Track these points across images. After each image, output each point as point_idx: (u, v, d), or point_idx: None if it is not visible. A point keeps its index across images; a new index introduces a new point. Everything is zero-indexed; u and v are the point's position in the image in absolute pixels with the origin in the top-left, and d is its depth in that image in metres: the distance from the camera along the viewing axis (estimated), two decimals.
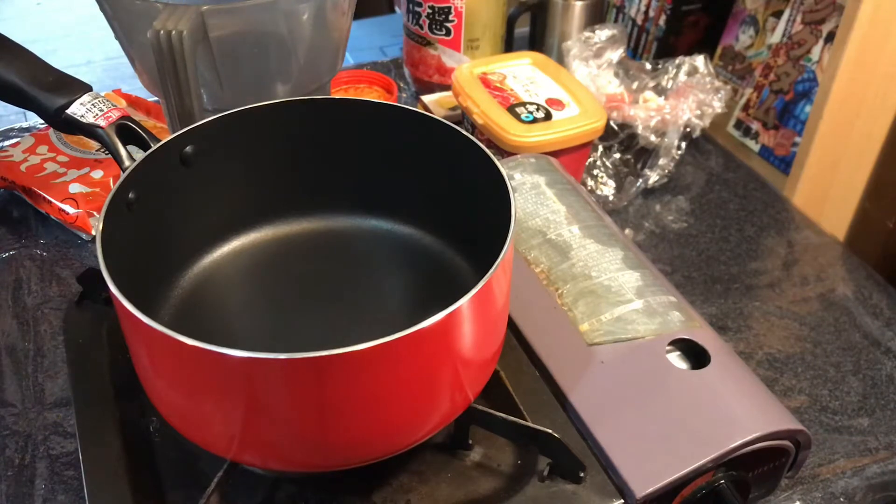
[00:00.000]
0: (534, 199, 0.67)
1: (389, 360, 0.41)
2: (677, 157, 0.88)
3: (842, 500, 0.59)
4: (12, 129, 0.94)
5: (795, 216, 0.85)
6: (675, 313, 0.57)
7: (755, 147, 1.01)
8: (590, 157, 0.87)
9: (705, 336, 0.56)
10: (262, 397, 0.42)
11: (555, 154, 0.76)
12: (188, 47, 0.58)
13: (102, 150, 0.83)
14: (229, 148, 0.57)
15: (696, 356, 0.55)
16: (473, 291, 0.42)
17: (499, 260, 0.44)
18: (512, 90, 0.82)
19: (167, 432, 0.53)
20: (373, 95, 0.98)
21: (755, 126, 1.00)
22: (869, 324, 0.72)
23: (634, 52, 1.15)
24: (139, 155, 0.52)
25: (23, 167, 0.82)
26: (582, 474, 0.50)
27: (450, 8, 0.95)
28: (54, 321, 0.70)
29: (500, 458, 0.52)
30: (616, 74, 0.93)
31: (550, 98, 0.81)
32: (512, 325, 0.59)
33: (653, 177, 0.87)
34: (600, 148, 0.88)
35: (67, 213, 0.78)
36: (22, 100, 0.56)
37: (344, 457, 0.46)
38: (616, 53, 0.92)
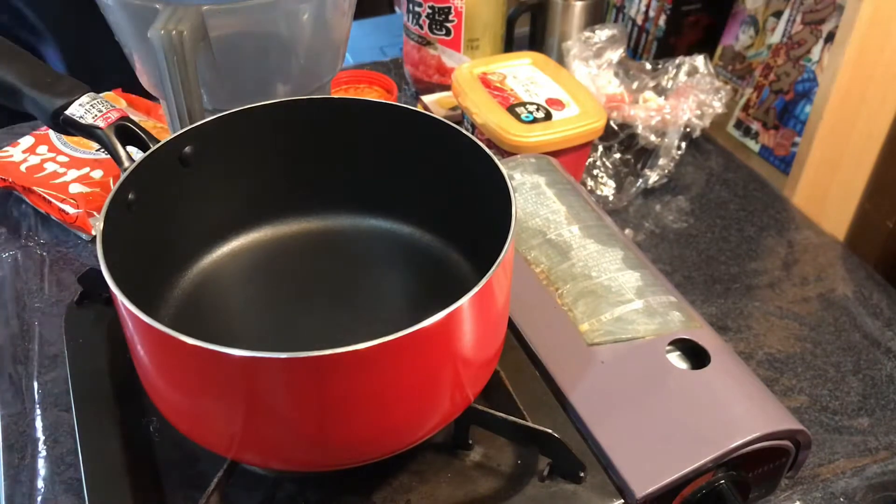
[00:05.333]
0: (534, 199, 0.67)
1: (389, 360, 0.41)
2: (677, 157, 0.88)
3: (842, 500, 0.59)
4: (12, 129, 0.94)
5: (795, 216, 0.85)
6: (675, 313, 0.57)
7: (755, 147, 1.01)
8: (590, 157, 0.87)
9: (705, 336, 0.56)
10: (262, 396, 0.42)
11: (555, 154, 0.76)
12: (188, 47, 0.58)
13: (102, 150, 0.84)
14: (229, 148, 0.57)
15: (696, 356, 0.55)
16: (474, 291, 0.42)
17: (499, 260, 0.44)
18: (512, 90, 0.82)
19: (167, 432, 0.53)
20: (373, 95, 0.98)
21: (755, 126, 1.00)
22: (869, 324, 0.72)
23: (634, 52, 1.15)
24: (139, 155, 0.52)
25: (23, 167, 0.82)
26: (582, 474, 0.50)
27: (450, 8, 0.95)
28: (54, 321, 0.70)
29: (500, 458, 0.52)
30: (616, 74, 0.93)
31: (550, 98, 0.81)
32: (512, 325, 0.59)
33: (653, 177, 0.87)
34: (600, 148, 0.88)
35: (67, 213, 0.78)
36: (20, 101, 0.56)
37: (344, 456, 0.46)
38: (616, 53, 0.92)
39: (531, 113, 0.79)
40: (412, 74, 1.04)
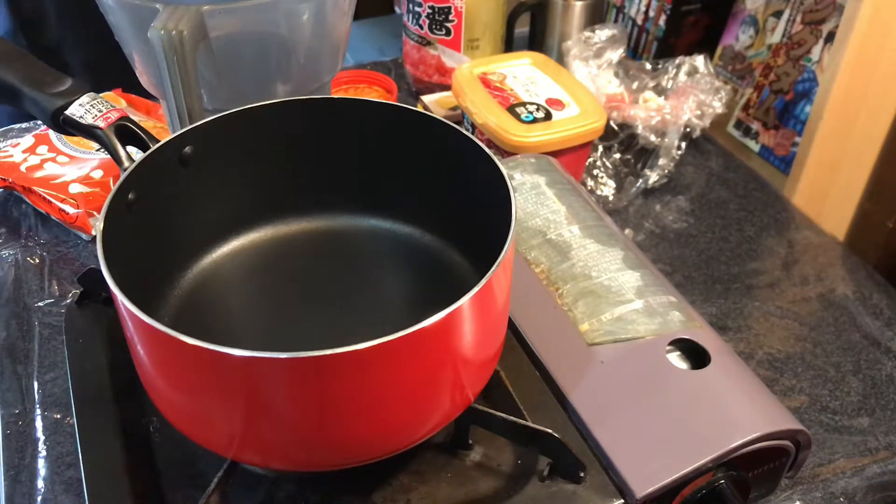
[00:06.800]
0: (534, 199, 0.67)
1: (389, 360, 0.41)
2: (677, 157, 0.88)
3: (842, 500, 0.59)
4: (12, 129, 0.94)
5: (795, 216, 0.85)
6: (675, 313, 0.57)
7: (755, 147, 1.01)
8: (590, 157, 0.87)
9: (705, 336, 0.56)
10: (262, 396, 0.42)
11: (555, 154, 0.76)
12: (188, 47, 0.58)
13: (102, 150, 0.84)
14: (229, 148, 0.57)
15: (696, 356, 0.55)
16: (474, 291, 0.42)
17: (499, 260, 0.44)
18: (512, 90, 0.82)
19: (167, 432, 0.53)
20: (373, 95, 0.98)
21: (755, 126, 1.01)
22: (869, 324, 0.72)
23: (634, 52, 1.15)
24: (139, 156, 0.52)
25: (23, 167, 0.82)
26: (582, 474, 0.50)
27: (450, 8, 0.95)
28: (54, 321, 0.70)
29: (500, 458, 0.52)
30: (616, 74, 0.93)
31: (550, 98, 0.81)
32: (512, 325, 0.59)
33: (653, 177, 0.87)
34: (600, 148, 0.88)
35: (67, 213, 0.78)
36: (20, 101, 0.56)
37: (344, 456, 0.46)
38: (616, 53, 0.92)
39: (531, 113, 0.79)
40: (412, 74, 1.04)
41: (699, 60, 0.92)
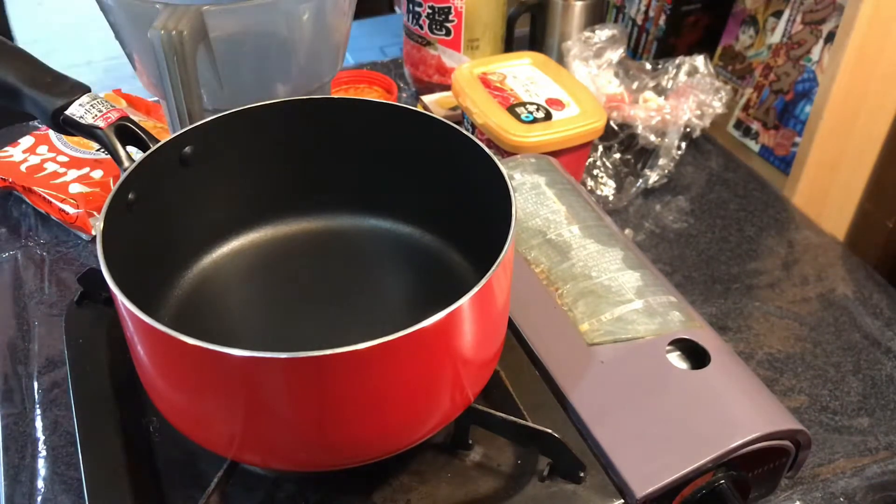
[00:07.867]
0: (534, 199, 0.67)
1: (389, 360, 0.41)
2: (677, 157, 0.88)
3: (842, 500, 0.59)
4: (12, 130, 0.94)
5: (795, 216, 0.85)
6: (675, 313, 0.57)
7: (755, 147, 1.01)
8: (590, 157, 0.87)
9: (705, 336, 0.56)
10: (262, 396, 0.42)
11: (555, 154, 0.76)
12: (188, 47, 0.58)
13: (102, 150, 0.84)
14: (229, 148, 0.57)
15: (696, 356, 0.55)
16: (474, 291, 0.42)
17: (499, 260, 0.44)
18: (512, 90, 0.82)
19: (167, 432, 0.53)
20: (373, 95, 0.98)
21: (755, 126, 1.01)
22: (869, 324, 0.72)
23: (634, 52, 1.15)
24: (139, 156, 0.52)
25: (23, 167, 0.82)
26: (582, 474, 0.50)
27: (450, 8, 0.95)
28: (54, 321, 0.70)
29: (500, 458, 0.52)
30: (616, 74, 0.93)
31: (550, 98, 0.81)
32: (512, 325, 0.59)
33: (653, 177, 0.87)
34: (600, 148, 0.88)
35: (67, 213, 0.78)
36: (20, 101, 0.56)
37: (344, 456, 0.46)
38: (616, 53, 0.92)
39: (531, 113, 0.79)
40: (412, 74, 1.04)
41: (699, 60, 0.92)
